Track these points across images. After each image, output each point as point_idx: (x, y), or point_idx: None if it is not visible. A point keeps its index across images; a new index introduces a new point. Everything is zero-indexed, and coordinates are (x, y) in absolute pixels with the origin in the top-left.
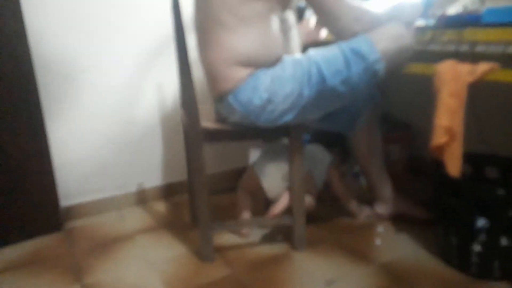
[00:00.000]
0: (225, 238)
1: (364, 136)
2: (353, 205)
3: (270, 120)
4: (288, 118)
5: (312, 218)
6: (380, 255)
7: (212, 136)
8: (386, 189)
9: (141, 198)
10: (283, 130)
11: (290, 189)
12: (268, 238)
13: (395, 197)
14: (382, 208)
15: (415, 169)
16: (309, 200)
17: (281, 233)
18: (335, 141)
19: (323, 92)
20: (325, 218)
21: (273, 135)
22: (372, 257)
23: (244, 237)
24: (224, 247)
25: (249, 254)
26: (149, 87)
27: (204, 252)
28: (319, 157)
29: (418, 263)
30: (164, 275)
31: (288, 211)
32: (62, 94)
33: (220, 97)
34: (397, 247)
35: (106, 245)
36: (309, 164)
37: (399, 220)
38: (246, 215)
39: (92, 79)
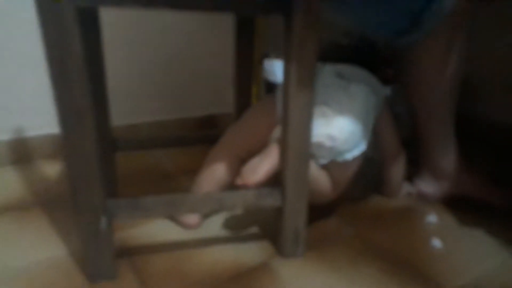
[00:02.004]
0: (150, 230)
1: (433, 54)
2: (399, 175)
3: None
4: None
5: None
6: (444, 270)
7: None
8: (448, 157)
9: (19, 152)
10: None
11: (280, 139)
12: (235, 235)
13: (460, 171)
14: (431, 185)
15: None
16: (324, 182)
17: (262, 224)
18: (363, 56)
19: None
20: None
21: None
22: (430, 275)
23: (191, 229)
24: (144, 248)
25: (193, 267)
26: None
27: (92, 264)
28: (370, 87)
29: None
30: None
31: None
32: None
33: None
34: (472, 254)
35: None
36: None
37: (457, 206)
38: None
39: None
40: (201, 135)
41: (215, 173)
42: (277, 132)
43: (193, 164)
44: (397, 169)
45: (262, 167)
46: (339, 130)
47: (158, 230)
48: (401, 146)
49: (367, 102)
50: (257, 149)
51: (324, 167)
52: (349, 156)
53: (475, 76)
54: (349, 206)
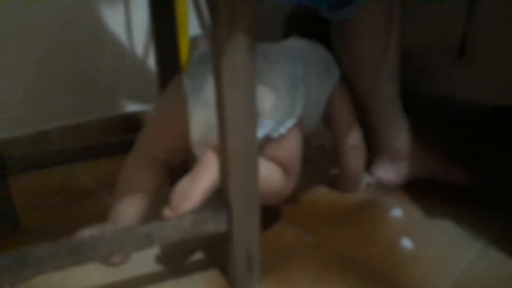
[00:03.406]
0: (58, 277)
1: (372, 27)
2: (359, 165)
3: None
4: None
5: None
6: (421, 277)
7: None
8: (402, 136)
9: None
10: None
11: (219, 135)
12: (174, 266)
13: (416, 149)
14: (389, 171)
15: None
16: (275, 175)
17: (206, 248)
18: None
19: None
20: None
21: None
22: (406, 286)
23: (116, 266)
24: None
25: None
26: None
27: None
28: (322, 65)
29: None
30: None
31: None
32: None
33: None
34: (446, 250)
35: None
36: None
37: (419, 192)
38: (127, 215)
39: None
40: (123, 140)
41: (134, 186)
42: (198, 130)
43: (116, 176)
44: (357, 158)
45: (196, 189)
46: (261, 100)
47: (70, 274)
48: (360, 131)
49: (292, 69)
50: (179, 147)
51: (264, 155)
52: (283, 129)
53: (418, 48)
54: (305, 209)
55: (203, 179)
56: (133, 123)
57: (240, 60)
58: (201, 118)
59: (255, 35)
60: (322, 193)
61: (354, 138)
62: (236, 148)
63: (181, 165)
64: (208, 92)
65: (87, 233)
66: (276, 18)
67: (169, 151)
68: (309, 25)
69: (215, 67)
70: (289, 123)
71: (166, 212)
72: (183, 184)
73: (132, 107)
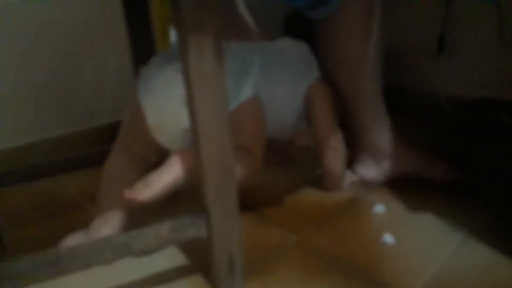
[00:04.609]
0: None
1: (354, 24)
2: (339, 164)
3: None
4: None
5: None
6: (401, 271)
7: None
8: (384, 134)
9: None
10: None
11: (193, 141)
12: (157, 273)
13: (398, 147)
14: (372, 169)
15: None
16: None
17: (189, 253)
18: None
19: None
20: (271, 193)
21: None
22: (387, 281)
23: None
24: None
25: None
26: None
27: None
28: (301, 63)
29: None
30: None
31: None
32: None
33: None
34: (426, 244)
35: None
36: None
37: (402, 188)
38: (111, 221)
39: None
40: (108, 149)
41: (116, 186)
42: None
43: None
44: (336, 159)
45: (158, 181)
46: None
47: (50, 285)
48: (338, 130)
49: (245, 58)
50: (150, 139)
51: None
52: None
53: (398, 45)
54: (288, 210)
55: (167, 174)
56: (115, 132)
57: (209, 65)
58: (152, 105)
59: (222, 39)
60: (306, 193)
61: (332, 139)
62: (211, 154)
63: (159, 161)
64: (155, 81)
65: (71, 240)
66: (275, 19)
67: (143, 145)
68: (302, 25)
69: (184, 75)
70: (236, 101)
71: (126, 193)
72: (150, 175)
73: (112, 117)
